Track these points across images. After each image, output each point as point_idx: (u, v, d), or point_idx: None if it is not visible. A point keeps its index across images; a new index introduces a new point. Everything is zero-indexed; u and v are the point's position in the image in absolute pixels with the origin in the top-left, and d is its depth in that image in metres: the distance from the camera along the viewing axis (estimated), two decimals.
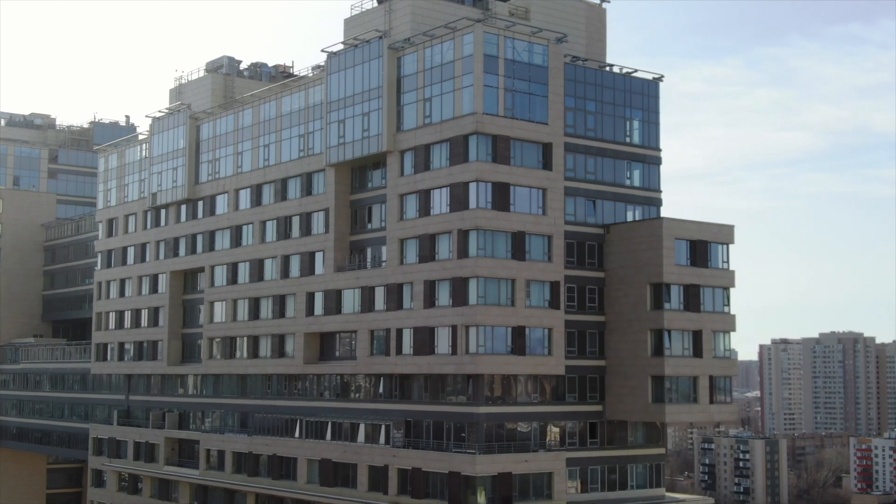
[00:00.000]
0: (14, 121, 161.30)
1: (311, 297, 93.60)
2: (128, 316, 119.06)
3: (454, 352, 79.27)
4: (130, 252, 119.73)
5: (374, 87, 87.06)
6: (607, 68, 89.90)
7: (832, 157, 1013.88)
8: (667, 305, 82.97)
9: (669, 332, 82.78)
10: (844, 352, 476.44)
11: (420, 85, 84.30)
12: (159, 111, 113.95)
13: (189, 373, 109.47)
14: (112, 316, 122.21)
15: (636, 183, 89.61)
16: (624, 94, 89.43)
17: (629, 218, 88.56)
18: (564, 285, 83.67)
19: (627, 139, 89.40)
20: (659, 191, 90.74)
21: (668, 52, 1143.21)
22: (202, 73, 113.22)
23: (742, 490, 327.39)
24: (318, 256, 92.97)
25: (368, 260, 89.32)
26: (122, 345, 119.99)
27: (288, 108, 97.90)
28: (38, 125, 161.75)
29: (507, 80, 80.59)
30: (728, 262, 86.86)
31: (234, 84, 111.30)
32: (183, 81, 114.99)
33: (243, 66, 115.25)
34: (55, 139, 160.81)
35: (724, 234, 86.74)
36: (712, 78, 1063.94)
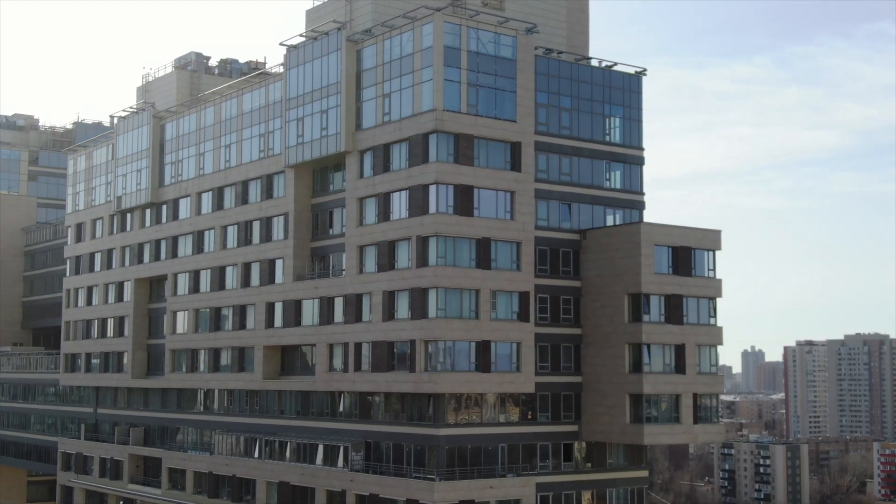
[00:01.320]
0: None
1: (270, 308, 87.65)
2: (95, 325, 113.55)
3: (412, 369, 73.05)
4: (97, 258, 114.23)
5: (332, 83, 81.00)
6: (585, 62, 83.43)
7: (861, 156, 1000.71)
8: (646, 318, 76.45)
9: (649, 346, 76.27)
10: (870, 354, 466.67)
11: (379, 80, 78.21)
12: (123, 110, 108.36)
13: (153, 386, 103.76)
14: (80, 325, 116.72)
15: (616, 185, 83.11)
16: (603, 89, 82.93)
17: (609, 223, 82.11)
18: (535, 296, 77.37)
19: (607, 138, 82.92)
20: (641, 193, 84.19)
21: (696, 51, 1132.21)
22: (169, 70, 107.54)
23: (763, 496, 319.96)
24: (279, 264, 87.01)
25: (331, 268, 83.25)
26: (89, 356, 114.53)
27: (248, 106, 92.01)
28: (20, 126, 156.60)
29: (470, 74, 74.29)
30: (714, 269, 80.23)
31: (200, 81, 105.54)
32: (150, 79, 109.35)
33: (213, 62, 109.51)
34: (37, 141, 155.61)
35: (710, 239, 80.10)
36: (741, 77, 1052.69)
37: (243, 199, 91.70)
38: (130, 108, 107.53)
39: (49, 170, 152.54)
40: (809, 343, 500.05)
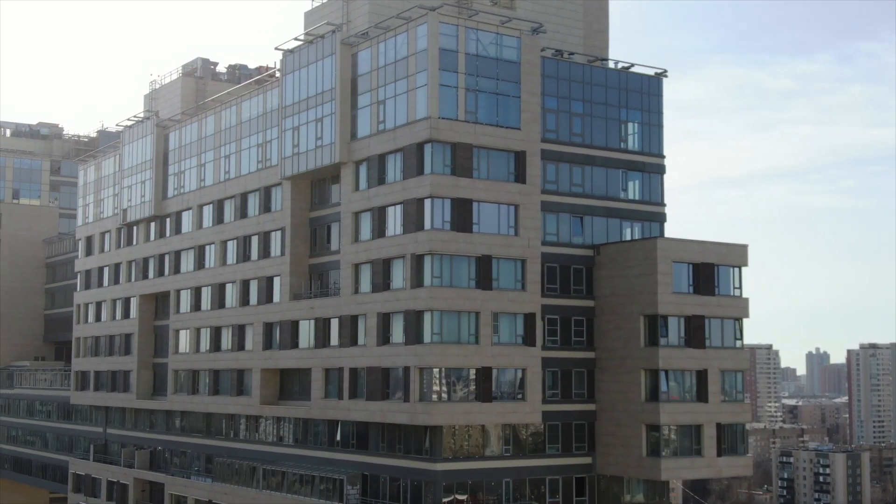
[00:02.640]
0: (20, 131, 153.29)
1: (268, 329, 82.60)
2: (103, 343, 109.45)
3: (407, 398, 67.48)
4: (106, 273, 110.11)
5: (327, 89, 75.72)
6: (600, 63, 77.33)
7: None
8: (663, 341, 70.24)
9: (667, 372, 69.98)
10: None
11: (374, 86, 72.75)
12: (128, 119, 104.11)
13: (157, 408, 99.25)
14: (90, 342, 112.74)
15: (634, 195, 76.90)
16: (619, 92, 76.75)
17: (626, 237, 75.93)
18: (544, 317, 71.49)
19: (623, 145, 76.72)
20: (662, 204, 77.87)
21: (758, 49, 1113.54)
22: (177, 77, 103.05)
23: None
24: (276, 282, 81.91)
25: (329, 286, 77.99)
26: (98, 374, 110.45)
27: (247, 115, 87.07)
28: (43, 135, 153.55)
29: (469, 79, 68.52)
30: (740, 287, 73.69)
31: (206, 88, 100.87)
32: (156, 86, 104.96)
33: (221, 67, 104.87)
34: (61, 150, 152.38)
35: (735, 255, 73.55)
36: (803, 74, 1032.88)
37: (242, 212, 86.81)
38: (135, 116, 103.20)
39: (71, 179, 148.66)
40: (873, 346, 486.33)
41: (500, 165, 69.50)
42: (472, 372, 67.46)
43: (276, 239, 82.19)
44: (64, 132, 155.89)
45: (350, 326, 73.24)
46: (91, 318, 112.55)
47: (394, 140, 70.07)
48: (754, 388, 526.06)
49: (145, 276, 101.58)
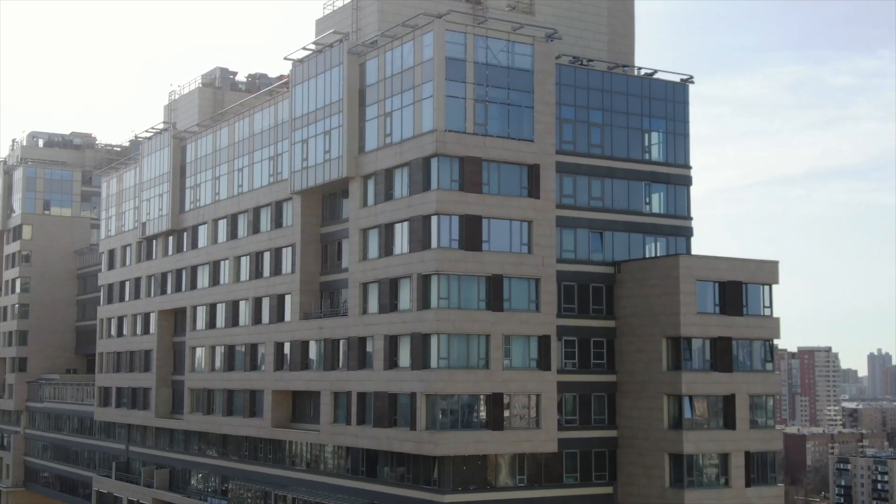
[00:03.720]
0: (53, 141, 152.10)
1: (279, 349, 79.66)
2: (124, 359, 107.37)
3: (413, 426, 64.07)
4: (127, 287, 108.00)
5: (335, 101, 72.60)
6: (621, 70, 73.42)
7: None
8: (687, 365, 66.15)
9: (691, 397, 65.91)
10: None
11: (381, 97, 69.48)
12: (146, 131, 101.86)
13: (175, 427, 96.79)
14: (111, 357, 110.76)
15: (658, 209, 72.89)
16: (641, 100, 72.79)
17: (649, 253, 71.96)
18: (561, 339, 67.88)
19: (645, 156, 72.75)
20: (688, 217, 73.81)
21: (819, 45, 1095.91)
22: (195, 87, 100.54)
23: None
24: (287, 300, 78.92)
25: (340, 305, 74.86)
26: (119, 390, 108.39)
27: (259, 126, 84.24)
28: (76, 145, 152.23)
29: (477, 89, 64.97)
30: (771, 306, 69.38)
31: (224, 99, 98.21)
32: (175, 97, 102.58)
33: (242, 76, 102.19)
34: (93, 159, 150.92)
35: (765, 272, 69.27)
36: (865, 71, 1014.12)
37: (254, 227, 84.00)
38: (153, 128, 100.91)
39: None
40: None
41: (511, 179, 65.88)
42: (482, 398, 63.89)
43: (287, 255, 79.27)
44: (97, 142, 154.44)
45: (358, 349, 70.04)
46: (114, 332, 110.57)
47: (400, 154, 66.79)
48: (813, 392, 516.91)
49: (163, 292, 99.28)
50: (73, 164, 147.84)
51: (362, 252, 70.36)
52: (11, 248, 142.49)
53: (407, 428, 64.62)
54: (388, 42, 68.72)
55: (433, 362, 63.12)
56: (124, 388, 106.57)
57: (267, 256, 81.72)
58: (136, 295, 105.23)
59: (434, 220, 63.71)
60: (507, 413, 64.32)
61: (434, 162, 64.00)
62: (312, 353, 75.75)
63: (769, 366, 69.13)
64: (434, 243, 63.53)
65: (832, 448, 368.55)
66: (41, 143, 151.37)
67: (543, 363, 65.64)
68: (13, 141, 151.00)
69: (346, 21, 74.61)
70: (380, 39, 69.83)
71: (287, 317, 78.48)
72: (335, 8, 76.84)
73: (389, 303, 67.20)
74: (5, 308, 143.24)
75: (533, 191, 66.22)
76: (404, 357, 65.85)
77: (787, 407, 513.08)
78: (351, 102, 71.13)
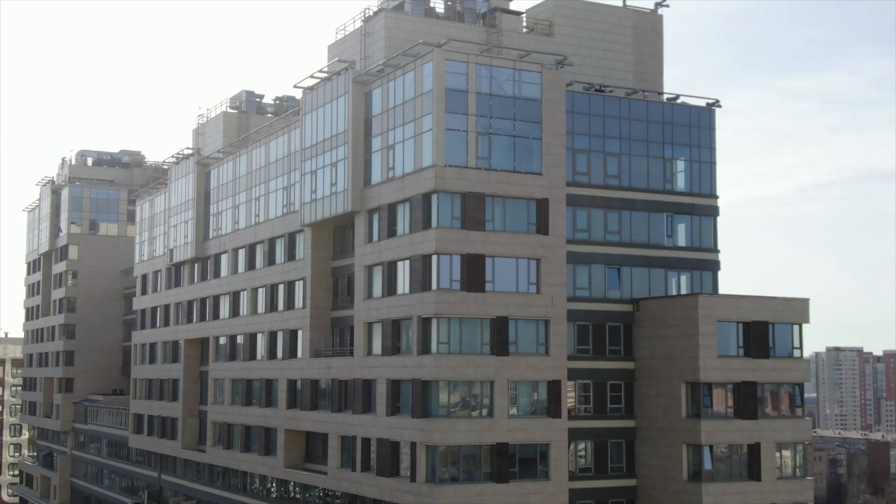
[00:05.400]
0: (101, 159, 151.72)
1: (292, 386, 77.03)
2: (155, 386, 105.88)
3: (413, 478, 60.83)
4: (158, 314, 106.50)
5: (341, 131, 69.72)
6: (641, 95, 69.37)
7: None
8: (707, 412, 61.95)
9: (712, 447, 61.68)
10: None
11: (384, 128, 66.41)
12: (173, 156, 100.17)
13: (199, 460, 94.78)
14: (143, 384, 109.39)
15: (681, 242, 68.71)
16: (663, 127, 68.73)
17: (671, 288, 67.85)
18: (575, 383, 64.24)
19: (668, 185, 68.63)
20: (715, 251, 69.45)
21: None
22: (224, 111, 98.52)
23: None
24: (300, 336, 76.26)
25: (349, 344, 71.88)
26: (150, 418, 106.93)
27: (274, 155, 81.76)
28: (125, 163, 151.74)
29: (480, 121, 61.50)
30: (801, 347, 64.84)
31: (249, 123, 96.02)
32: (203, 120, 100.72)
33: (268, 99, 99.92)
34: (141, 177, 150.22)
35: (794, 311, 64.73)
36: None
37: (270, 259, 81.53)
38: (179, 153, 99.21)
39: None
40: None
41: (518, 215, 62.29)
42: (486, 449, 60.40)
43: (299, 289, 76.61)
44: (145, 160, 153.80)
45: (363, 391, 67.05)
46: (147, 359, 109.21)
47: (402, 189, 63.65)
48: None
49: (189, 320, 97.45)
50: (120, 182, 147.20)
51: (367, 290, 67.38)
52: (58, 267, 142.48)
53: (408, 479, 61.42)
54: (392, 71, 65.64)
55: (433, 411, 59.84)
56: (155, 417, 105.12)
57: (281, 289, 79.21)
58: (166, 322, 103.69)
59: (434, 259, 60.41)
60: (512, 464, 60.72)
61: (434, 198, 60.72)
62: (322, 392, 72.98)
63: (798, 411, 64.54)
64: (434, 284, 60.24)
65: None
66: (90, 161, 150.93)
67: (553, 410, 61.92)
68: (62, 160, 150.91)
69: (356, 48, 71.76)
70: (385, 68, 66.79)
71: (299, 353, 75.85)
72: (346, 33, 74.04)
73: (392, 345, 64.11)
74: (53, 328, 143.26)
75: (541, 226, 62.55)
76: (406, 403, 62.68)
77: (871, 412, 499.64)
78: (356, 133, 68.19)
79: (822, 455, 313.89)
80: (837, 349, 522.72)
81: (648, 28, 75.55)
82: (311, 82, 73.67)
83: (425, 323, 60.79)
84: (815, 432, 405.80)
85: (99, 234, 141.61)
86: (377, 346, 66.14)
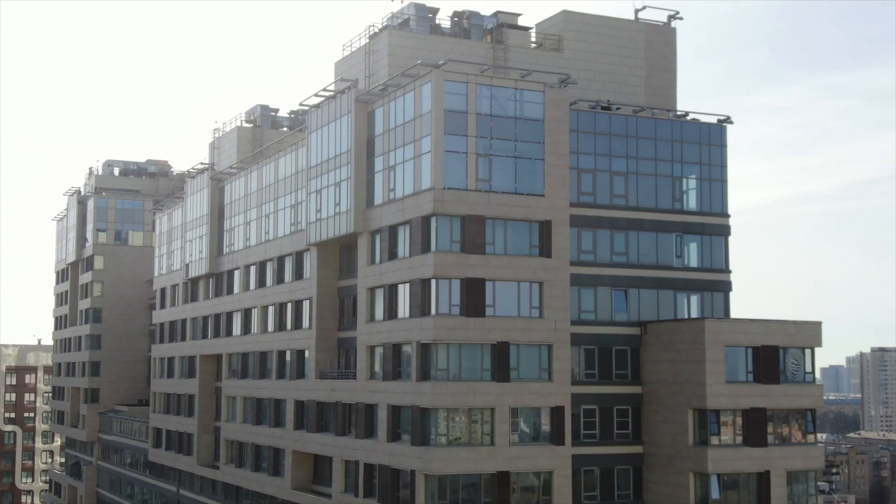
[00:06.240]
0: (128, 169, 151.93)
1: (300, 407, 76.16)
2: (172, 401, 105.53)
3: None
4: (177, 328, 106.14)
5: (344, 151, 68.74)
6: (649, 113, 67.76)
7: None
8: (714, 440, 60.27)
9: (720, 476, 60.01)
10: None
11: (386, 149, 65.34)
12: (188, 171, 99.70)
13: (213, 477, 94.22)
14: (162, 398, 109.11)
15: (691, 262, 67.02)
16: (671, 145, 67.07)
17: (681, 310, 66.20)
18: (579, 408, 62.82)
19: (677, 205, 66.96)
20: (726, 271, 67.69)
21: None
22: (240, 125, 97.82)
23: None
24: (307, 356, 75.37)
25: (353, 366, 70.85)
26: (168, 433, 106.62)
27: (283, 172, 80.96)
28: (151, 173, 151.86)
29: (480, 143, 60.25)
30: (813, 372, 62.95)
31: (263, 137, 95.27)
32: (219, 134, 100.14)
33: (283, 113, 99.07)
34: (167, 187, 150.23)
35: (806, 334, 62.88)
36: None
37: (279, 277, 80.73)
38: (194, 168, 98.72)
39: None
40: None
41: (520, 238, 61.00)
42: (486, 479, 59.12)
43: (306, 309, 75.73)
44: (172, 169, 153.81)
45: (365, 415, 66.04)
46: (165, 373, 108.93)
47: (402, 211, 62.53)
48: None
49: (205, 336, 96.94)
50: (147, 192, 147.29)
51: (369, 312, 66.37)
52: (85, 277, 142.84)
53: None
54: (393, 91, 64.56)
55: (432, 439, 58.67)
56: (172, 431, 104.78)
57: (289, 308, 78.38)
58: (183, 337, 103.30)
59: (433, 284, 59.21)
60: (513, 494, 59.41)
61: (433, 221, 59.53)
62: (328, 415, 72.07)
63: (811, 437, 62.68)
64: (433, 310, 59.06)
65: None
66: (116, 171, 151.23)
67: (556, 437, 60.53)
68: (89, 169, 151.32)
69: (360, 66, 70.76)
70: (388, 87, 65.71)
71: (306, 373, 74.98)
72: (353, 50, 73.05)
73: (393, 370, 63.03)
74: (79, 338, 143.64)
75: (544, 249, 61.20)
76: (406, 430, 61.56)
77: None
78: (359, 153, 67.16)
79: (864, 458, 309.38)
80: (883, 350, 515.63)
81: (661, 42, 73.93)
82: (317, 100, 72.75)
83: (424, 349, 59.64)
84: (858, 434, 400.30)
85: (124, 245, 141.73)
86: (379, 371, 65.08)
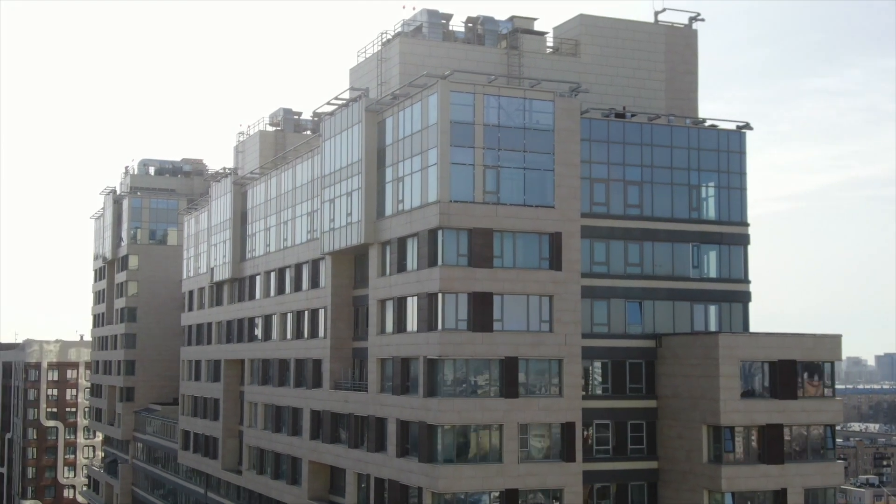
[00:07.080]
0: (163, 168, 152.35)
1: (316, 416, 75.59)
2: (199, 404, 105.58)
3: None
4: (204, 331, 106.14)
5: (356, 161, 67.92)
6: (666, 120, 66.22)
7: None
8: (728, 457, 58.83)
9: (734, 494, 58.57)
10: None
11: (395, 160, 64.42)
12: (214, 172, 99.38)
13: (234, 482, 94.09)
14: (189, 401, 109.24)
15: (709, 273, 65.46)
16: (688, 153, 65.50)
17: (698, 322, 64.72)
18: (592, 424, 61.68)
19: (694, 214, 65.40)
20: (745, 281, 66.06)
21: None
22: (264, 128, 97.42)
23: None
24: (323, 365, 74.78)
25: (366, 377, 70.11)
26: (196, 435, 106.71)
27: (300, 179, 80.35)
28: (186, 172, 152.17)
29: (488, 154, 59.14)
30: (833, 387, 61.23)
31: (285, 141, 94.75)
32: (242, 138, 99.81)
33: (306, 116, 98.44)
34: (201, 186, 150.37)
35: (825, 348, 61.15)
36: None
37: (296, 285, 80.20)
38: (219, 171, 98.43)
39: None
40: None
41: (529, 251, 59.85)
42: (494, 496, 58.17)
43: (321, 318, 75.13)
44: (207, 168, 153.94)
45: (376, 429, 65.32)
46: (192, 376, 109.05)
47: (410, 224, 61.61)
48: None
49: (229, 340, 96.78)
50: (181, 191, 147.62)
51: (380, 325, 65.59)
52: (120, 277, 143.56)
53: None
54: (403, 101, 63.61)
55: (438, 455, 57.80)
56: (199, 435, 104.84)
57: (306, 317, 77.85)
58: (209, 340, 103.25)
59: (439, 298, 58.28)
60: None
61: (440, 235, 58.55)
62: (342, 425, 71.45)
63: (830, 454, 60.98)
64: (440, 325, 58.15)
65: None
66: (152, 170, 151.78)
67: (567, 454, 59.39)
68: (125, 168, 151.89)
69: (373, 73, 69.89)
70: (397, 96, 64.77)
71: (323, 383, 74.39)
72: (367, 57, 72.19)
73: (402, 384, 62.21)
74: (115, 336, 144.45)
75: (554, 262, 60.00)
76: (414, 445, 60.73)
77: None
78: (369, 164, 66.29)
79: None
80: None
81: (682, 44, 72.35)
82: (330, 108, 72.01)
83: (431, 364, 58.75)
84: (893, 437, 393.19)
85: (158, 244, 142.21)
86: (389, 384, 64.32)
